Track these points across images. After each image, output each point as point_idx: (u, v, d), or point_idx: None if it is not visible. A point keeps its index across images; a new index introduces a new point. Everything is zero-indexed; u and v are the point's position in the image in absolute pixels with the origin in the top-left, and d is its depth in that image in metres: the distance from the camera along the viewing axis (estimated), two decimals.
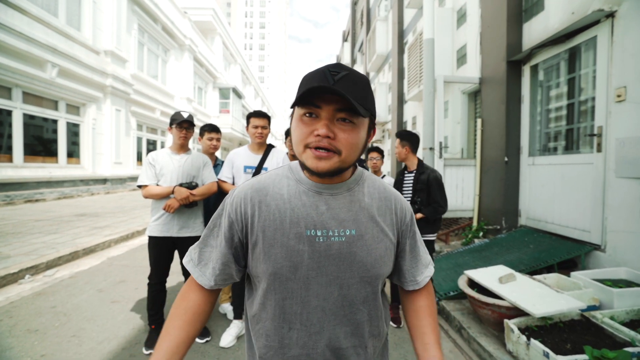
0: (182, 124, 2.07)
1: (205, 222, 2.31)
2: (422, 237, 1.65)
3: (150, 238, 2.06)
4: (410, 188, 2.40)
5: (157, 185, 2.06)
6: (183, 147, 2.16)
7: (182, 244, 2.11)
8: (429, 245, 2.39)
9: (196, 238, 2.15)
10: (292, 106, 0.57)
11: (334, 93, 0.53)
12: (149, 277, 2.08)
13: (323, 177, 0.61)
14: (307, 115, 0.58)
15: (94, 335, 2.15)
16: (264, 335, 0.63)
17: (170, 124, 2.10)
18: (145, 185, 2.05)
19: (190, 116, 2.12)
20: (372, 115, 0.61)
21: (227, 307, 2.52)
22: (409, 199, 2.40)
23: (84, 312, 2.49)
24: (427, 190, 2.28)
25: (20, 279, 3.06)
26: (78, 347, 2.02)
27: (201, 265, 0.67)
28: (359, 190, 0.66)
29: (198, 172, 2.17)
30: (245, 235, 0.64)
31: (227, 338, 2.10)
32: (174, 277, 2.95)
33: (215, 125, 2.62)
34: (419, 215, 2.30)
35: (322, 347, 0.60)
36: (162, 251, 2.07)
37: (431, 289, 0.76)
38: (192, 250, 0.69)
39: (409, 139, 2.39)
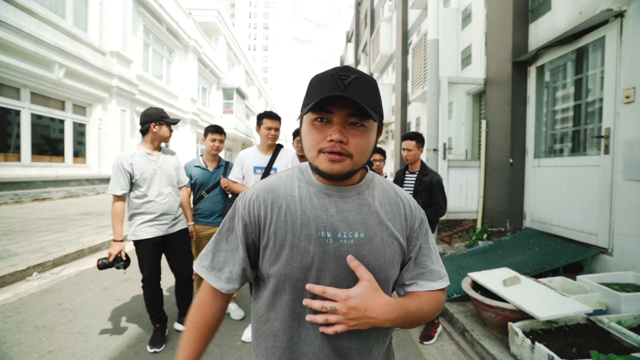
0: (169, 122, 2.03)
1: (209, 216, 2.48)
2: None
3: (141, 242, 1.99)
4: (412, 188, 2.45)
5: (131, 192, 1.97)
6: (159, 147, 2.11)
7: (172, 240, 2.13)
8: None
9: (184, 230, 2.21)
10: (305, 113, 0.57)
11: (347, 100, 0.54)
12: (144, 280, 2.05)
13: (335, 180, 0.61)
14: (319, 120, 0.58)
15: (99, 333, 2.18)
16: (272, 336, 0.63)
17: (157, 122, 2.00)
18: (118, 196, 1.90)
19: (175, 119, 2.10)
20: (380, 117, 0.61)
21: (231, 306, 2.53)
22: None
23: (90, 309, 2.52)
24: (429, 192, 2.34)
25: (28, 276, 3.11)
26: (84, 343, 2.04)
27: (215, 271, 0.66)
28: (369, 193, 0.66)
29: (176, 172, 2.17)
30: (257, 237, 0.64)
31: (249, 332, 2.13)
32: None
33: (220, 126, 2.58)
34: None
35: (328, 347, 0.61)
36: (155, 252, 2.06)
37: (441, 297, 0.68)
38: (204, 257, 0.68)
39: (424, 142, 2.50)
